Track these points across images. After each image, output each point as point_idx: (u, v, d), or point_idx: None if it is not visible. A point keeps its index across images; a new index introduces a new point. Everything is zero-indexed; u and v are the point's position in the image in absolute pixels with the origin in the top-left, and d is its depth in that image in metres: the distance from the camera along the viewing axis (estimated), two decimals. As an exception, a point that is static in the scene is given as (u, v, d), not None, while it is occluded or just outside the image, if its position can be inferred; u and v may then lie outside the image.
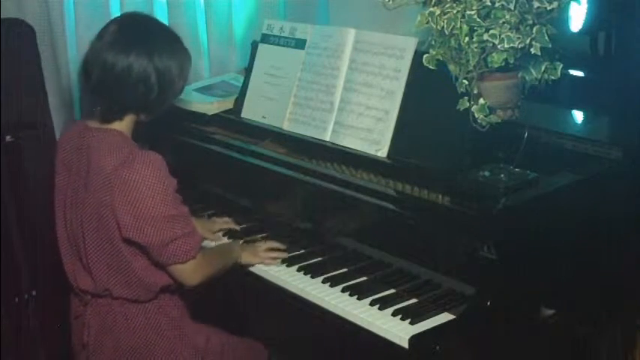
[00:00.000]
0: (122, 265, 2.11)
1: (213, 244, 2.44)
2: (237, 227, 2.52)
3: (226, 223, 2.53)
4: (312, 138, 2.48)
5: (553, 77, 2.12)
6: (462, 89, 2.10)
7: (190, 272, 2.12)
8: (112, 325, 2.16)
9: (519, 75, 2.10)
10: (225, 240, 2.47)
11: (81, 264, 2.17)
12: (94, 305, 2.18)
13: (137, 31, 2.14)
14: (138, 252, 2.11)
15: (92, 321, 2.18)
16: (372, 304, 2.08)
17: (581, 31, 2.60)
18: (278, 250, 2.34)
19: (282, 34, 2.68)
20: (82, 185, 2.12)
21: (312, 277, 2.24)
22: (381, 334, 1.98)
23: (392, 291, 2.13)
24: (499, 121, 2.10)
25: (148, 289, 2.15)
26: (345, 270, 2.24)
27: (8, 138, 2.56)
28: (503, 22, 1.99)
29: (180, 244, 2.08)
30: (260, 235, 2.46)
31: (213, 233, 2.49)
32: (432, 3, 2.11)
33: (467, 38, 2.02)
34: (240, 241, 2.43)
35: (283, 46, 2.66)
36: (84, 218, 2.11)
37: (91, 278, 2.14)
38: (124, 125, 2.15)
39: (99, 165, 2.07)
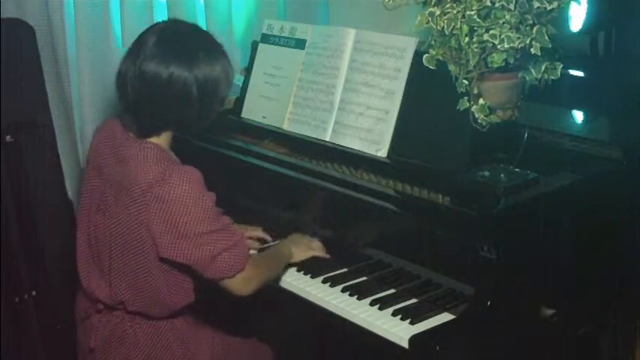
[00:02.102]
0: (147, 283, 2.05)
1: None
2: (269, 239, 2.44)
3: (255, 230, 2.45)
4: (312, 138, 2.48)
5: (553, 77, 2.12)
6: (462, 89, 2.10)
7: (241, 284, 2.04)
8: (121, 337, 2.10)
9: (519, 75, 2.10)
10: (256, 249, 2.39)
11: (99, 273, 2.10)
12: (104, 314, 2.12)
13: (175, 42, 2.03)
14: (168, 272, 2.04)
15: (100, 327, 2.12)
16: (372, 304, 2.08)
17: (581, 31, 2.61)
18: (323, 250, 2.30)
19: (282, 34, 2.68)
20: (113, 195, 2.05)
21: (312, 277, 2.24)
22: (381, 334, 1.98)
23: (392, 291, 2.13)
24: (499, 121, 2.10)
25: (167, 308, 2.09)
26: (345, 270, 2.24)
27: (8, 138, 2.56)
28: (503, 22, 1.99)
29: (225, 257, 2.00)
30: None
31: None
32: (432, 3, 2.11)
33: (467, 38, 2.02)
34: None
35: (283, 46, 2.66)
36: (113, 232, 2.04)
37: (109, 290, 2.08)
38: (162, 138, 2.07)
39: (134, 180, 1.99)
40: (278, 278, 2.24)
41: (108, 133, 2.13)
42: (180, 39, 2.05)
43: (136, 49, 2.03)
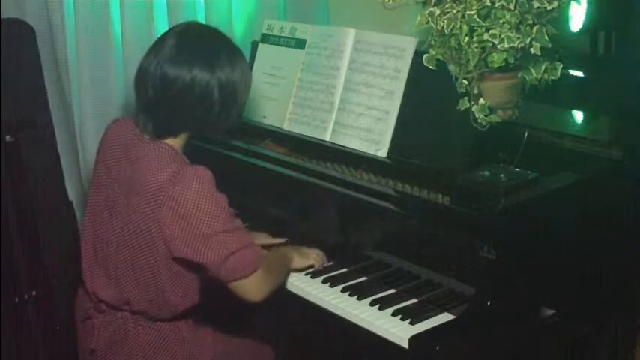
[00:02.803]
0: (153, 282, 2.03)
1: None
2: (281, 240, 2.41)
3: (267, 238, 2.41)
4: (312, 138, 2.48)
5: (553, 77, 2.12)
6: (462, 89, 2.11)
7: (255, 286, 2.03)
8: (124, 339, 2.09)
9: (519, 75, 2.11)
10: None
11: (103, 273, 2.09)
12: (107, 314, 2.11)
13: (197, 44, 2.04)
14: (175, 273, 2.03)
15: (103, 328, 2.11)
16: (372, 304, 2.08)
17: (581, 31, 2.61)
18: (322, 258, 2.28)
19: (282, 34, 2.68)
20: (123, 195, 2.03)
21: (312, 277, 2.24)
22: (381, 334, 1.98)
23: (392, 291, 2.13)
24: (499, 121, 2.10)
25: (171, 309, 2.08)
26: (345, 270, 2.24)
27: (8, 138, 2.56)
28: (504, 22, 1.99)
29: (239, 257, 1.99)
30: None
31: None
32: (432, 3, 2.11)
33: (467, 38, 2.03)
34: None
35: (283, 46, 2.66)
36: (122, 230, 2.03)
37: (114, 289, 2.07)
38: (177, 141, 2.06)
39: (146, 180, 1.98)
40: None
41: (118, 133, 2.12)
42: (201, 41, 2.06)
43: (157, 51, 2.02)
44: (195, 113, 2.02)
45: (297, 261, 2.24)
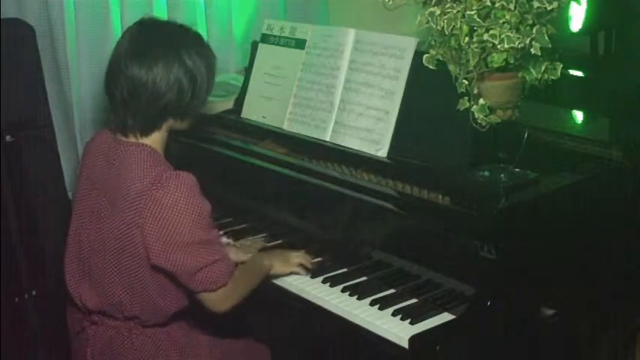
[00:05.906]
0: (140, 287, 2.04)
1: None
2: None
3: (260, 243, 2.43)
4: (312, 138, 2.48)
5: (553, 77, 2.12)
6: (462, 89, 2.10)
7: (220, 300, 2.05)
8: (119, 349, 2.09)
9: (519, 75, 2.10)
10: None
11: (89, 282, 2.09)
12: (100, 325, 2.11)
13: (160, 36, 2.07)
14: (159, 277, 2.03)
15: (97, 339, 2.11)
16: (372, 304, 2.08)
17: (581, 31, 2.61)
18: (306, 260, 2.26)
19: (282, 34, 2.68)
20: (108, 202, 2.04)
21: (312, 277, 2.24)
22: (381, 334, 1.98)
23: (392, 291, 2.13)
24: (499, 121, 2.10)
25: (160, 313, 2.08)
26: (345, 270, 2.24)
27: (8, 138, 2.56)
28: (503, 22, 1.99)
29: (209, 271, 2.00)
30: (265, 239, 2.46)
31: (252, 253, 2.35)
32: (432, 3, 2.11)
33: (467, 38, 2.02)
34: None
35: (283, 46, 2.66)
36: (106, 237, 2.03)
37: (103, 299, 2.07)
38: (157, 139, 2.07)
39: (129, 184, 1.99)
40: (278, 278, 2.24)
41: (99, 143, 2.14)
42: (162, 32, 2.10)
43: (120, 52, 2.06)
44: (168, 104, 2.04)
45: (278, 267, 2.23)
